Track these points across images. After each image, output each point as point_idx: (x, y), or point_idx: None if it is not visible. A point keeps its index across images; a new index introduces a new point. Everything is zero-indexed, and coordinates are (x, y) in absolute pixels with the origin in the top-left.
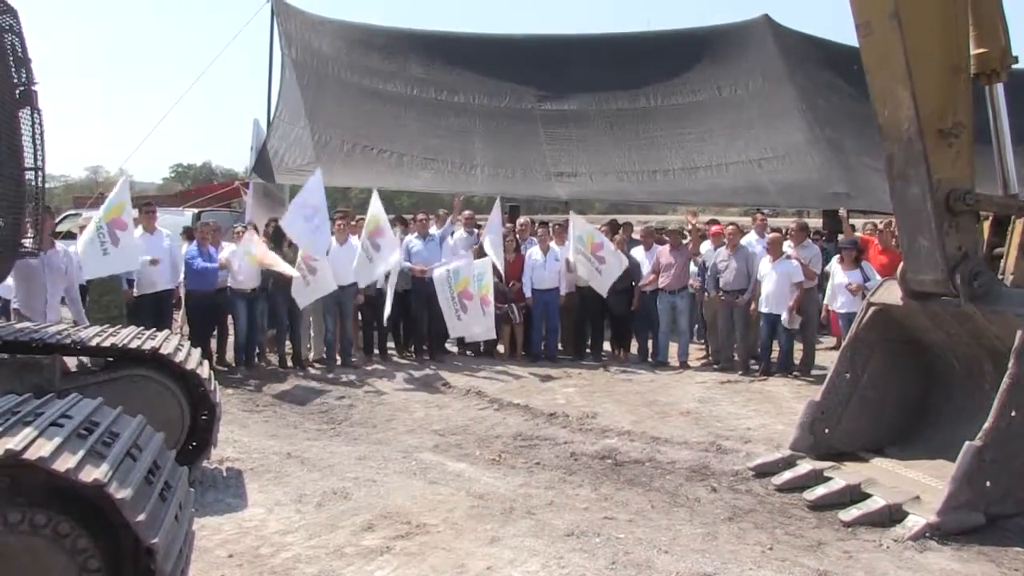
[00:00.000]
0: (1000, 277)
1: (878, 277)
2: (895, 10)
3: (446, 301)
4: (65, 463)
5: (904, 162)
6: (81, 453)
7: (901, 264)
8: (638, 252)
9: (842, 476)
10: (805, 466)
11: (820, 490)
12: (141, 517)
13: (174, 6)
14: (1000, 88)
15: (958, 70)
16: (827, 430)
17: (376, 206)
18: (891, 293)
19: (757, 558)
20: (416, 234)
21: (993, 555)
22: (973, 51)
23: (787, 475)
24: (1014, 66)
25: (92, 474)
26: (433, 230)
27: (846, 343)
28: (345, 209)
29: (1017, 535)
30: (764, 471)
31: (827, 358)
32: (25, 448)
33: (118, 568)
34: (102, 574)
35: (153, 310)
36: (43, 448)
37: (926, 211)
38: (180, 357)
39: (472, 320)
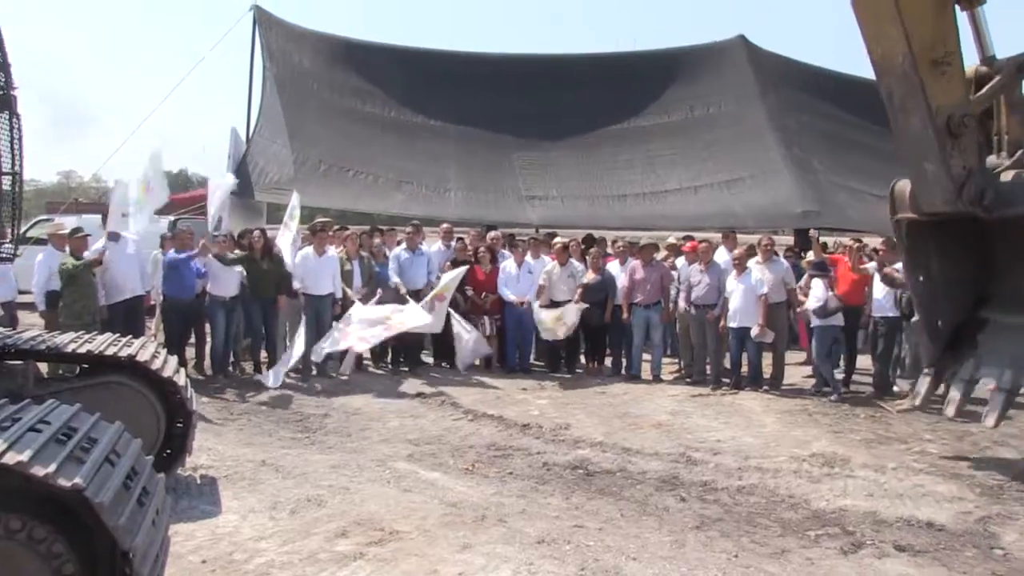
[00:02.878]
0: (996, 137)
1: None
2: None
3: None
4: (44, 468)
5: (902, 94)
6: (60, 458)
7: (909, 187)
8: (613, 266)
9: None
10: None
11: None
12: (119, 522)
13: (154, 10)
14: (982, 9)
15: (944, 2)
16: (939, 323)
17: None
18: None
19: (723, 565)
20: (404, 247)
21: (946, 560)
22: None
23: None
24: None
25: (71, 479)
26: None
27: (904, 258)
28: (324, 220)
29: (969, 542)
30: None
31: (797, 373)
32: (3, 453)
33: (93, 573)
34: None
35: (125, 317)
36: (22, 453)
37: (928, 137)
38: (157, 364)
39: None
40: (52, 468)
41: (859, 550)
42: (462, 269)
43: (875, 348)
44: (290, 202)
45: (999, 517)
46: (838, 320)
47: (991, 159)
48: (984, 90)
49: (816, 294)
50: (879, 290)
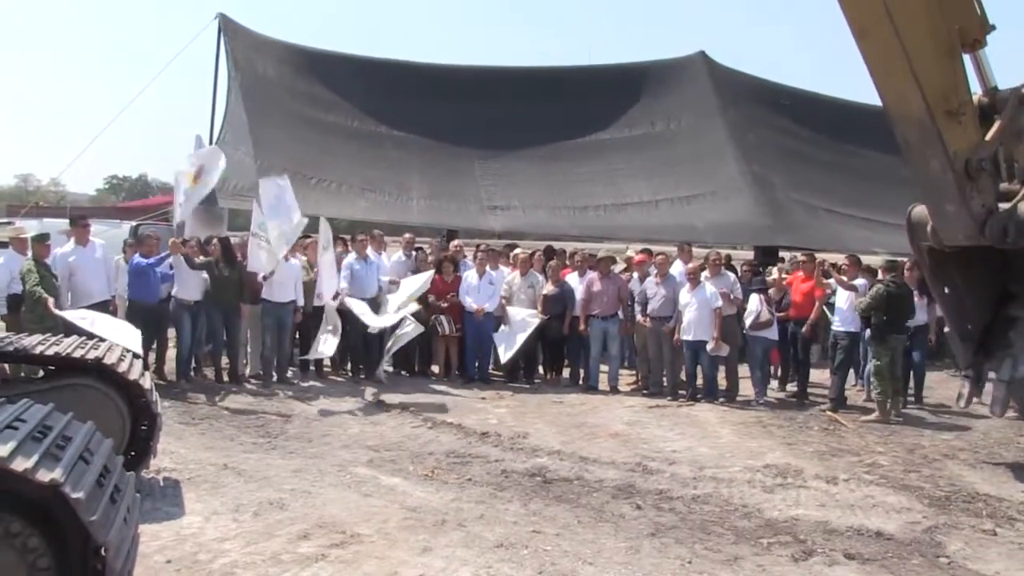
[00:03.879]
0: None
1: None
2: (887, 12)
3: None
4: (22, 463)
5: (920, 142)
6: (37, 455)
7: (927, 217)
8: (572, 279)
9: None
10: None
11: None
12: (94, 517)
13: (117, 15)
14: (985, 51)
15: (952, 53)
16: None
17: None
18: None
19: (676, 571)
20: (356, 255)
21: (893, 568)
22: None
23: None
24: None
25: (48, 475)
26: (369, 252)
27: (929, 278)
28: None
29: (916, 551)
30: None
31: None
32: None
33: (66, 568)
34: (52, 572)
35: None
36: (0, 449)
37: (947, 181)
38: (123, 367)
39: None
40: (30, 464)
41: (810, 558)
42: (429, 274)
43: (833, 361)
44: (321, 229)
45: (945, 527)
46: (771, 333)
47: (1002, 186)
48: (994, 130)
49: (751, 307)
50: (842, 300)
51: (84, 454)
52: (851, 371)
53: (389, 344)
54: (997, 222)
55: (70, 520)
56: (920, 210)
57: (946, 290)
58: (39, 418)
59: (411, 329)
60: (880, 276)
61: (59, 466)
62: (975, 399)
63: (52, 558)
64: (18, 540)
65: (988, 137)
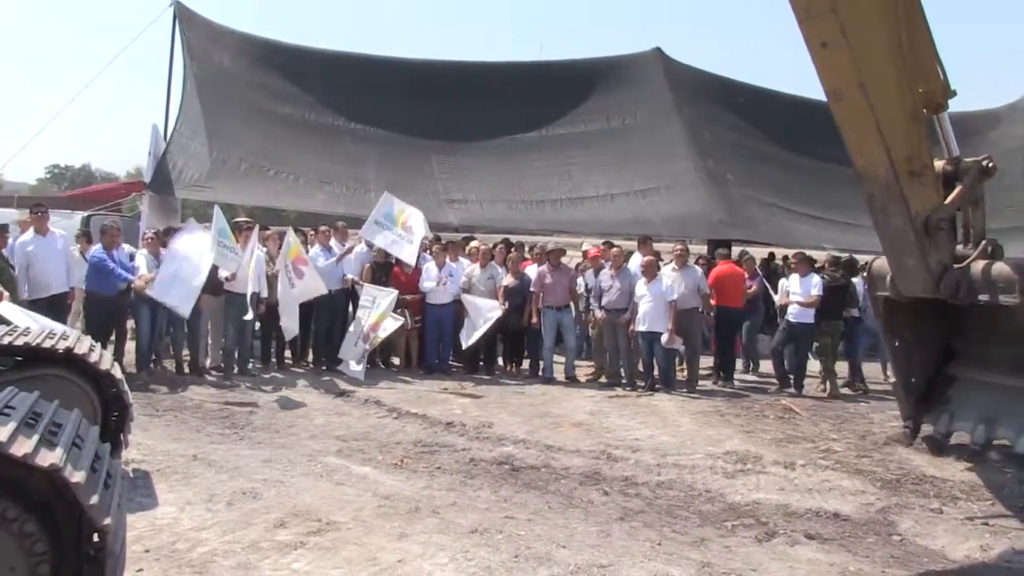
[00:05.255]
0: (960, 228)
1: None
2: (860, 80)
3: (354, 331)
4: (22, 448)
5: (884, 200)
6: (35, 439)
7: (886, 270)
8: (531, 271)
9: None
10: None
11: None
12: (93, 500)
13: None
14: (945, 115)
15: (917, 118)
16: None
17: (293, 235)
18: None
19: (647, 552)
20: (319, 246)
21: (850, 547)
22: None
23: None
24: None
25: (48, 459)
26: (332, 243)
27: (882, 328)
28: (249, 221)
29: (871, 530)
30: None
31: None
32: None
33: (61, 552)
34: (48, 557)
35: (48, 313)
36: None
37: (908, 238)
38: (94, 358)
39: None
40: (29, 448)
41: (772, 539)
42: (394, 294)
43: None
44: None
45: (897, 507)
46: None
47: (959, 249)
48: (954, 194)
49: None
50: (796, 285)
51: (76, 440)
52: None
53: (361, 337)
54: (951, 278)
55: (65, 505)
56: (880, 263)
57: (896, 343)
58: (29, 405)
59: (390, 323)
60: (825, 269)
61: (57, 450)
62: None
63: (48, 543)
64: (15, 525)
65: (948, 200)
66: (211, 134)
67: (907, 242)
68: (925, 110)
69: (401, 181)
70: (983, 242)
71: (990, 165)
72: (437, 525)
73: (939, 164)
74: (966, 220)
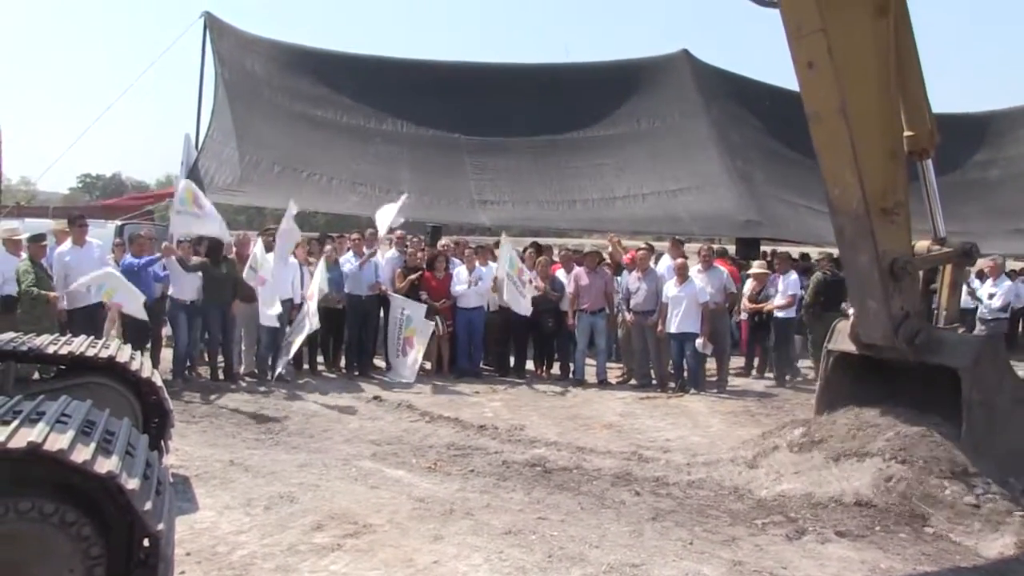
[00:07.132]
0: (935, 309)
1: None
2: (842, 105)
3: (392, 340)
4: (80, 455)
5: (853, 234)
6: (92, 447)
7: (849, 327)
8: (559, 274)
9: None
10: None
11: None
12: (147, 507)
13: (97, 14)
14: (929, 163)
15: (896, 155)
16: None
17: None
18: (846, 340)
19: (679, 551)
20: (352, 252)
21: (882, 544)
22: (905, 134)
23: None
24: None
25: (105, 466)
26: (365, 251)
27: (820, 383)
28: (274, 228)
29: (902, 528)
30: None
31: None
32: (44, 441)
33: (114, 556)
34: (103, 560)
35: (86, 323)
36: (59, 441)
37: (873, 277)
38: (135, 366)
39: (403, 363)
40: (88, 455)
41: (802, 536)
42: (423, 308)
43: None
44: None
45: (930, 499)
46: None
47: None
48: (929, 255)
49: None
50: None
51: (128, 448)
52: None
53: (400, 349)
54: (911, 326)
55: (119, 510)
56: (844, 324)
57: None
58: (84, 413)
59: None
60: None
61: (113, 457)
62: None
63: (103, 547)
64: (73, 529)
65: (921, 256)
66: (242, 139)
67: (872, 281)
68: (910, 153)
69: (434, 182)
70: (955, 327)
71: (974, 250)
72: (471, 527)
73: (924, 244)
74: (940, 302)
